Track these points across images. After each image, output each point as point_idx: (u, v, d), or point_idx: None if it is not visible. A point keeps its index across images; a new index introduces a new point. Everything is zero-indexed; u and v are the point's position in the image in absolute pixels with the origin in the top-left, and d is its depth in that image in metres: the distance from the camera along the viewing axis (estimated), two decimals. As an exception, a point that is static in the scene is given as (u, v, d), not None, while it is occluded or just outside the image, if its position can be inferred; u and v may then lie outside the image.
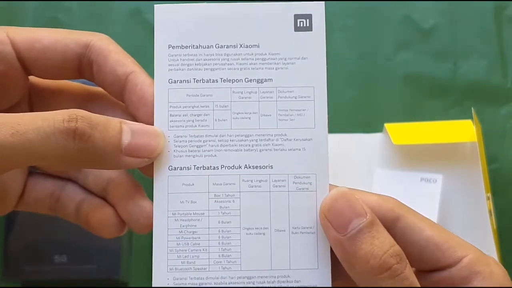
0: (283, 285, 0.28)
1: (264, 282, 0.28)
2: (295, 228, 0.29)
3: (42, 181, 0.32)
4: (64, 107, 0.26)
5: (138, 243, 0.58)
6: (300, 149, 0.31)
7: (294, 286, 0.28)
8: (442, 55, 0.66)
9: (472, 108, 0.60)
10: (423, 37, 0.66)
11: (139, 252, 0.58)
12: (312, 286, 0.28)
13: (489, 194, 0.58)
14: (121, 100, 0.30)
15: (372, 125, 0.62)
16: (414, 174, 0.58)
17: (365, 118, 0.63)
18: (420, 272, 0.27)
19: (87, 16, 0.65)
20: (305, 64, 0.32)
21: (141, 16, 0.65)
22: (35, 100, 0.31)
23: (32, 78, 0.30)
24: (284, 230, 0.29)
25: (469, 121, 0.60)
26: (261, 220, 0.29)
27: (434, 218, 0.56)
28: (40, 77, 0.30)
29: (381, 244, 0.24)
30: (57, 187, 0.32)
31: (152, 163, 0.29)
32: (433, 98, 0.64)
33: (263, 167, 0.30)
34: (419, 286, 0.25)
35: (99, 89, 0.31)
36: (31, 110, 0.30)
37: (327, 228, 0.26)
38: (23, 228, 0.52)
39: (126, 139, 0.26)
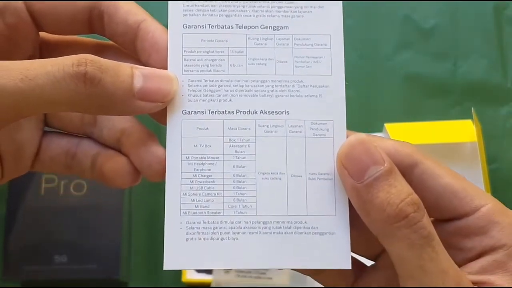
0: (300, 231, 0.27)
1: (281, 227, 0.27)
2: (312, 174, 0.28)
3: (57, 139, 0.31)
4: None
5: (138, 243, 0.58)
6: (316, 96, 0.31)
7: (311, 232, 0.27)
8: (442, 55, 0.66)
9: (472, 108, 0.60)
10: (423, 37, 0.66)
11: (139, 252, 0.58)
12: (329, 232, 0.27)
13: (489, 194, 0.58)
14: (132, 50, 0.29)
15: (372, 125, 0.62)
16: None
17: (365, 118, 0.63)
18: (437, 222, 0.26)
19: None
20: (322, 12, 0.32)
21: (141, 16, 0.65)
22: (46, 56, 0.30)
23: (42, 34, 0.30)
24: (301, 176, 0.28)
25: (469, 121, 0.60)
26: (277, 165, 0.28)
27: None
28: (51, 32, 0.29)
29: (398, 193, 0.24)
30: (72, 144, 0.31)
31: (165, 108, 0.28)
32: (433, 98, 0.64)
33: (279, 112, 0.29)
34: (437, 236, 0.24)
35: (110, 42, 0.31)
36: None
37: (343, 175, 0.25)
38: (23, 228, 0.52)
39: (138, 83, 0.25)
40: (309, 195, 0.28)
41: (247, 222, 0.28)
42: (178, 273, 0.55)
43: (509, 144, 0.63)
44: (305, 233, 0.27)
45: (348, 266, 0.27)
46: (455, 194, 0.25)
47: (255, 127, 0.29)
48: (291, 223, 0.28)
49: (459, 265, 0.24)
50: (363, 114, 0.63)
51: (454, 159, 0.59)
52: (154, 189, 0.59)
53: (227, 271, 0.53)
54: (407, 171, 0.26)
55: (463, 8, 0.67)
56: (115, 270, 0.53)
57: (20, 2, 0.26)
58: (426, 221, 0.23)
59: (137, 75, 0.25)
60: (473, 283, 0.24)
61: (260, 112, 0.29)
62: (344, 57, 0.66)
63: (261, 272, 0.52)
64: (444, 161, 0.61)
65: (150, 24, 0.28)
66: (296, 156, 0.29)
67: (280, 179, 0.28)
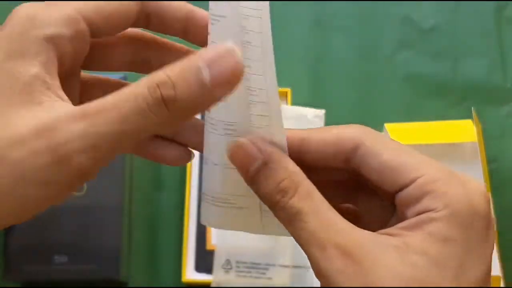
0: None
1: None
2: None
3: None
4: (123, 54, 0.28)
5: (138, 243, 0.58)
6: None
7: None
8: (442, 55, 0.66)
9: (472, 108, 0.60)
10: (423, 37, 0.66)
11: (139, 252, 0.58)
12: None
13: (489, 194, 0.58)
14: (184, 39, 0.30)
15: (372, 125, 0.61)
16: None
17: (365, 118, 0.63)
18: (390, 194, 0.27)
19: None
20: None
21: (141, 16, 0.65)
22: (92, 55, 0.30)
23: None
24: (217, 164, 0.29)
25: (469, 121, 0.60)
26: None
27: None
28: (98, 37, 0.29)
29: (270, 183, 0.26)
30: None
31: None
32: (433, 98, 0.64)
33: None
34: (312, 208, 0.25)
35: (148, 34, 0.31)
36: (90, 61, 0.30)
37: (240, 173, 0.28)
38: (23, 228, 0.52)
39: (206, 75, 0.23)
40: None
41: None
42: (178, 273, 0.56)
43: (509, 143, 0.63)
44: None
45: None
46: (393, 169, 0.26)
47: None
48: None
49: None
50: (363, 114, 0.63)
51: (454, 159, 0.59)
52: (154, 189, 0.59)
53: (227, 271, 0.53)
54: (351, 154, 0.27)
55: (463, 8, 0.67)
56: (115, 270, 0.53)
57: (84, 26, 0.26)
58: (296, 199, 0.25)
59: (202, 68, 0.23)
60: (385, 233, 0.25)
61: None
62: (344, 57, 0.67)
63: (261, 272, 0.52)
64: (444, 161, 0.61)
65: (198, 11, 0.29)
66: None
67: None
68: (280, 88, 0.61)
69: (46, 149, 0.23)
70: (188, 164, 0.57)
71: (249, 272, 0.52)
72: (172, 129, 0.27)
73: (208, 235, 0.56)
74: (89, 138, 0.23)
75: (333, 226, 0.25)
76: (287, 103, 0.60)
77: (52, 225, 0.53)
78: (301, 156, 0.28)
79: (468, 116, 0.60)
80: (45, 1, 0.26)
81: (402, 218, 0.26)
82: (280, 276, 0.52)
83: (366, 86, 0.65)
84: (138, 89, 0.24)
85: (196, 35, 0.30)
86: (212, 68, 0.23)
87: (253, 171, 0.26)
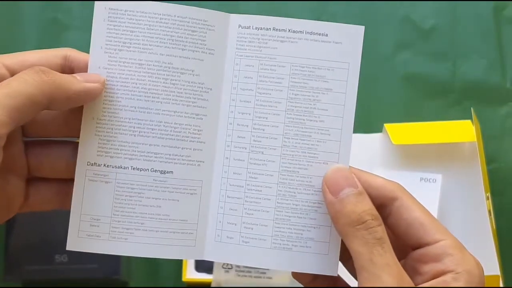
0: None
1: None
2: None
3: (45, 183, 0.35)
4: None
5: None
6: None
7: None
8: (441, 55, 0.66)
9: (472, 108, 0.60)
10: (423, 37, 0.66)
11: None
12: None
13: (488, 194, 0.58)
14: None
15: (372, 125, 0.62)
16: (413, 173, 0.58)
17: (365, 119, 0.63)
18: (407, 250, 0.33)
19: (87, 16, 0.65)
20: None
21: (141, 16, 0.65)
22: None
23: None
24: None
25: (468, 121, 0.60)
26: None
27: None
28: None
29: (362, 206, 0.31)
30: (62, 184, 0.35)
31: None
32: (432, 98, 0.64)
33: None
34: (388, 242, 0.30)
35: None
36: None
37: (325, 193, 0.32)
38: (24, 228, 0.52)
39: (78, 75, 0.34)
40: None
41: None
42: (178, 272, 0.56)
43: (509, 144, 0.63)
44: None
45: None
46: (422, 226, 0.32)
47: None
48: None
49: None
50: (363, 114, 0.63)
51: (454, 159, 0.59)
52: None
53: (227, 270, 0.53)
54: (389, 203, 0.33)
55: (462, 9, 0.67)
56: (115, 269, 0.53)
57: (4, 71, 0.33)
58: (381, 229, 0.30)
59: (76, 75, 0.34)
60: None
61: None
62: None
63: (261, 272, 0.53)
64: (444, 161, 0.61)
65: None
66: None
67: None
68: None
69: None
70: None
71: (249, 271, 0.53)
72: (60, 98, 0.32)
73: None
74: None
75: (396, 265, 0.30)
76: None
77: (53, 224, 0.53)
78: None
79: (467, 116, 0.60)
80: None
81: (415, 272, 0.31)
82: (280, 276, 0.53)
83: (365, 86, 0.64)
84: (22, 71, 0.32)
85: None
86: (82, 75, 0.34)
87: (348, 194, 0.32)
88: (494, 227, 0.57)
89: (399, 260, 0.31)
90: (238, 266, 0.53)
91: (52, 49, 0.36)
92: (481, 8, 0.67)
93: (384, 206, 0.33)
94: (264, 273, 0.53)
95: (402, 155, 0.60)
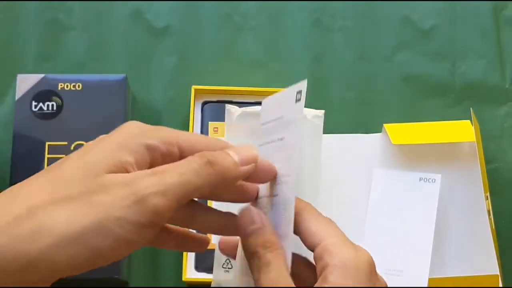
0: None
1: None
2: None
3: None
4: None
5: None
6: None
7: None
8: (441, 56, 0.66)
9: (471, 108, 0.60)
10: (422, 37, 0.67)
11: (139, 252, 0.58)
12: None
13: (488, 194, 0.58)
14: None
15: (371, 125, 0.62)
16: (413, 173, 0.58)
17: (364, 119, 0.63)
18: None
19: (88, 16, 0.65)
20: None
21: (141, 16, 0.66)
22: None
23: None
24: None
25: (467, 121, 0.60)
26: None
27: (432, 217, 0.57)
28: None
29: (259, 239, 0.36)
30: None
31: None
32: (432, 98, 0.65)
33: None
34: (278, 263, 0.35)
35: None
36: None
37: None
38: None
39: (235, 157, 0.35)
40: None
41: None
42: (178, 272, 0.56)
43: (508, 144, 0.63)
44: None
45: None
46: (314, 232, 0.36)
47: None
48: None
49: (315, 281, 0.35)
50: (362, 114, 0.64)
51: (453, 159, 0.59)
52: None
53: (227, 270, 0.53)
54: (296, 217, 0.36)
55: (462, 9, 0.67)
56: (116, 269, 0.53)
57: (175, 145, 0.35)
58: (270, 255, 0.35)
59: (232, 154, 0.35)
60: None
61: None
62: (344, 57, 0.67)
63: None
64: (443, 161, 0.61)
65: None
66: None
67: None
68: (279, 88, 0.61)
69: (129, 194, 0.30)
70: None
71: (249, 271, 0.53)
72: (218, 187, 0.35)
73: (208, 234, 0.56)
74: (160, 185, 0.31)
75: (282, 281, 0.34)
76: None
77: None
78: None
79: (466, 116, 0.61)
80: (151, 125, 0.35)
81: (316, 269, 0.36)
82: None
83: (365, 86, 0.65)
84: (191, 158, 0.34)
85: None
86: (238, 154, 0.35)
87: (251, 228, 0.36)
88: (494, 227, 0.57)
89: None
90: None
91: (217, 138, 0.39)
92: (481, 8, 0.68)
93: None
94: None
95: (401, 155, 0.60)
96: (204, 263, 0.55)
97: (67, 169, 0.32)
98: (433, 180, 0.58)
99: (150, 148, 0.34)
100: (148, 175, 0.32)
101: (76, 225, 0.29)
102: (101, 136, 0.35)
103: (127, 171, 0.32)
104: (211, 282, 0.54)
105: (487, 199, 0.58)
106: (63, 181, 0.31)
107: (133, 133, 0.34)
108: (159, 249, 0.59)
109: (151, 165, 0.34)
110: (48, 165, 0.55)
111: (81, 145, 0.55)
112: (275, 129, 0.40)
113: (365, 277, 0.34)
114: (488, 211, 0.57)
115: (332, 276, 0.33)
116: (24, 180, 0.32)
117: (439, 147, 0.59)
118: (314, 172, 0.54)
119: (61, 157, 0.35)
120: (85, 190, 0.30)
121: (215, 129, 0.59)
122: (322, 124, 0.55)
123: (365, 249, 0.36)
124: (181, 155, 0.35)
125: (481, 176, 0.57)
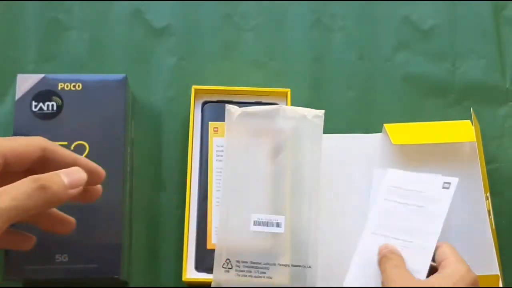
0: None
1: None
2: None
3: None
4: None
5: (138, 243, 0.58)
6: None
7: None
8: (441, 56, 0.66)
9: (471, 108, 0.60)
10: (422, 37, 0.67)
11: (139, 252, 0.58)
12: None
13: (488, 194, 0.58)
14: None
15: (371, 126, 0.62)
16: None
17: (365, 119, 0.63)
18: None
19: (88, 16, 0.65)
20: None
21: (141, 16, 0.66)
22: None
23: None
24: None
25: (467, 121, 0.60)
26: None
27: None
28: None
29: (392, 260, 0.51)
30: None
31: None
32: (432, 98, 0.65)
33: None
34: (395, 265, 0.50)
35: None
36: None
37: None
38: (24, 227, 0.52)
39: (65, 180, 0.41)
40: None
41: None
42: (178, 272, 0.56)
43: (508, 144, 0.63)
44: None
45: None
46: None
47: None
48: None
49: None
50: (363, 114, 0.64)
51: (453, 159, 0.59)
52: (154, 189, 0.60)
53: (227, 270, 0.53)
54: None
55: (462, 9, 0.67)
56: (115, 269, 0.53)
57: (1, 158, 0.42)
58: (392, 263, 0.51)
59: (63, 176, 0.41)
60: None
61: None
62: (344, 57, 0.67)
63: (261, 272, 0.53)
64: (443, 160, 0.61)
65: (78, 159, 0.46)
66: None
67: None
68: (279, 88, 0.61)
69: None
70: (188, 164, 0.58)
71: (249, 271, 0.53)
72: (48, 208, 0.43)
73: (208, 234, 0.56)
74: None
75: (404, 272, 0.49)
76: (287, 103, 0.61)
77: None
78: None
79: (467, 116, 0.61)
80: None
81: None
82: (280, 275, 0.53)
83: (365, 86, 0.65)
84: (24, 181, 0.39)
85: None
86: (68, 176, 0.42)
87: (385, 252, 0.51)
88: (494, 227, 0.57)
89: None
90: (238, 266, 0.53)
91: (28, 138, 0.44)
92: (481, 8, 0.68)
93: None
94: (264, 272, 0.53)
95: (401, 155, 0.60)
96: (204, 263, 0.55)
97: None
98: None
99: None
100: None
101: None
102: None
103: None
104: (211, 282, 0.54)
105: (487, 199, 0.58)
106: None
107: None
108: (159, 249, 0.59)
109: None
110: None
111: (81, 145, 0.55)
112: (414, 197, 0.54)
113: (468, 284, 0.46)
114: (488, 211, 0.57)
115: (448, 269, 0.48)
116: None
117: (439, 147, 0.59)
118: (314, 172, 0.54)
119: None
120: None
121: (215, 129, 0.59)
122: (322, 124, 0.55)
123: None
124: (6, 163, 0.42)
125: (481, 176, 0.57)
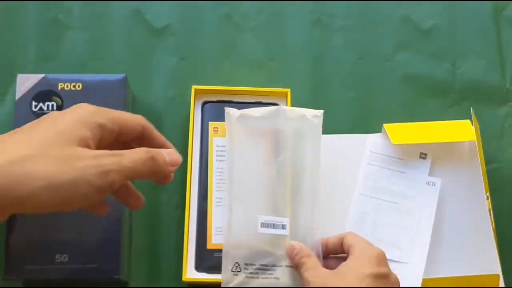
0: None
1: None
2: None
3: None
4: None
5: (138, 243, 0.58)
6: None
7: None
8: (441, 56, 0.66)
9: (471, 108, 0.60)
10: (422, 37, 0.67)
11: (139, 252, 0.58)
12: None
13: (488, 194, 0.58)
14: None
15: (371, 125, 0.62)
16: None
17: (364, 119, 0.63)
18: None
19: (88, 16, 0.65)
20: None
21: (141, 16, 0.66)
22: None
23: None
24: None
25: (467, 121, 0.60)
26: None
27: (431, 218, 0.57)
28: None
29: (302, 259, 0.52)
30: None
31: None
32: (431, 98, 0.65)
33: None
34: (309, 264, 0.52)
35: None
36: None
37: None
38: (24, 227, 0.52)
39: (166, 158, 0.47)
40: None
41: None
42: (178, 272, 0.56)
43: (508, 143, 0.63)
44: None
45: None
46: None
47: None
48: None
49: None
50: (362, 114, 0.64)
51: (453, 159, 0.59)
52: (154, 189, 0.60)
53: (236, 273, 0.53)
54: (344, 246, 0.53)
55: (462, 9, 0.68)
56: (116, 269, 0.53)
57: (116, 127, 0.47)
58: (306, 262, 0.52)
59: (165, 154, 0.47)
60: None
61: None
62: (344, 57, 0.67)
63: (269, 273, 0.52)
64: (443, 160, 0.61)
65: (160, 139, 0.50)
66: None
67: None
68: (279, 89, 0.61)
69: (96, 166, 0.42)
70: (188, 164, 0.58)
71: (257, 273, 0.52)
72: (153, 177, 0.48)
73: (208, 234, 0.56)
74: (118, 166, 0.43)
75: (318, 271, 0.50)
76: (287, 103, 0.61)
77: (53, 224, 0.53)
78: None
79: (466, 116, 0.61)
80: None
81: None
82: (287, 276, 0.52)
83: (365, 86, 0.65)
84: (140, 150, 0.45)
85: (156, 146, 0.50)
86: (169, 155, 0.48)
87: (296, 260, 0.52)
88: (494, 226, 0.57)
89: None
90: (246, 269, 0.53)
91: (133, 115, 0.48)
92: (481, 8, 0.68)
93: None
94: (272, 274, 0.52)
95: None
96: (204, 263, 0.55)
97: (42, 132, 0.42)
98: (433, 184, 0.58)
99: (101, 126, 0.45)
100: (110, 155, 0.43)
101: (57, 178, 0.40)
102: (60, 112, 0.45)
103: (88, 145, 0.43)
104: (211, 282, 0.54)
105: (488, 199, 0.58)
106: (40, 141, 0.41)
107: (89, 112, 0.45)
108: (159, 249, 0.59)
109: (100, 139, 0.45)
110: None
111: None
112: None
113: (375, 259, 0.48)
114: (489, 211, 0.57)
115: (355, 251, 0.49)
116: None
117: (439, 146, 0.59)
118: (314, 171, 0.54)
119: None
120: (61, 154, 0.41)
121: (215, 129, 0.59)
122: (321, 123, 0.55)
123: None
124: (119, 132, 0.46)
125: (481, 175, 0.57)
